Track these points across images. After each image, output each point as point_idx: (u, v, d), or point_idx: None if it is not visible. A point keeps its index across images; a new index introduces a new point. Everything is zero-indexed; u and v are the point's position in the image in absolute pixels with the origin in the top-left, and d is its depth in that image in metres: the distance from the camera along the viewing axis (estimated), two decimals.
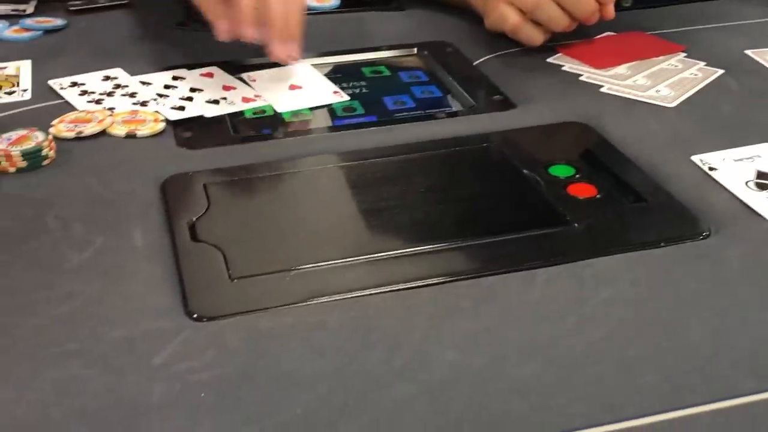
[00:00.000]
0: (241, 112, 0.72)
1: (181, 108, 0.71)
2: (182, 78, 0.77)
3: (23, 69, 0.80)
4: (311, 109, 0.73)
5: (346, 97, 0.75)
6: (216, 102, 0.73)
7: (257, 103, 0.73)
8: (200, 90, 0.74)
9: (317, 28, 0.91)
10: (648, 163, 0.63)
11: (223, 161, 0.64)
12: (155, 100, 0.72)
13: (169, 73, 0.77)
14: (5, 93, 0.74)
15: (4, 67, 0.80)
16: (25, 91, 0.75)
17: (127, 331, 0.46)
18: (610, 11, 0.80)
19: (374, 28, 0.91)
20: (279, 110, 0.73)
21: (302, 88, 0.76)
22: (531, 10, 0.80)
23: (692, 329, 0.46)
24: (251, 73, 0.78)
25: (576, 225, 0.55)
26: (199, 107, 0.71)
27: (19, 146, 0.62)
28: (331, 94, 0.75)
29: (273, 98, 0.74)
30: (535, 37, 0.82)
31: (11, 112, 0.71)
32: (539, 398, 0.41)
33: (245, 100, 0.73)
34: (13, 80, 0.77)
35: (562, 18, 0.79)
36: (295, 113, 0.72)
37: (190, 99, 0.73)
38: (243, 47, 0.73)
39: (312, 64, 0.81)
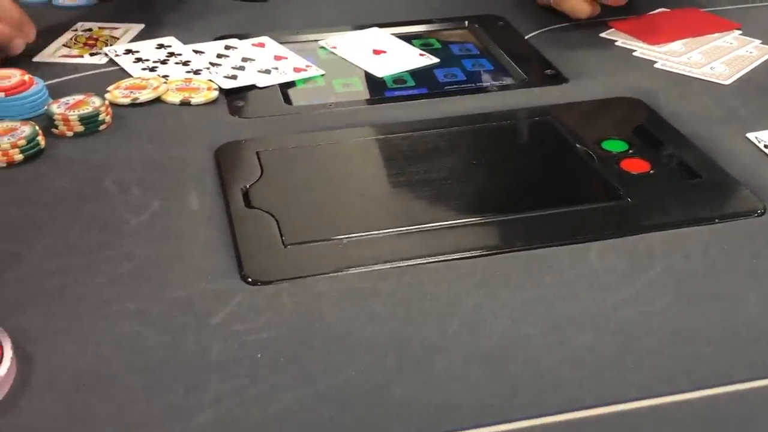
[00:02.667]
0: (293, 82, 0.72)
1: (234, 77, 0.71)
2: (234, 47, 0.77)
3: (130, 33, 0.81)
4: (410, 72, 0.74)
5: (435, 59, 0.76)
6: (268, 72, 0.73)
7: (308, 73, 0.73)
8: (252, 60, 0.75)
9: (368, 1, 0.91)
10: (702, 139, 0.62)
11: (275, 130, 0.65)
12: (208, 68, 0.73)
13: (222, 43, 0.78)
14: (90, 54, 0.77)
15: (116, 28, 0.82)
16: (118, 56, 0.76)
17: (185, 292, 0.47)
18: None
19: (425, 0, 0.91)
20: (379, 75, 0.73)
21: (386, 52, 0.77)
22: None
23: (748, 304, 0.45)
24: (329, 41, 0.79)
25: (629, 200, 0.55)
26: (252, 76, 0.72)
27: (76, 111, 0.63)
28: (418, 57, 0.76)
29: (366, 64, 0.75)
30: (580, 8, 0.80)
31: (68, 77, 0.73)
32: (593, 368, 0.41)
33: (296, 69, 0.74)
34: (113, 42, 0.79)
35: None
36: (346, 83, 0.73)
37: (242, 68, 0.73)
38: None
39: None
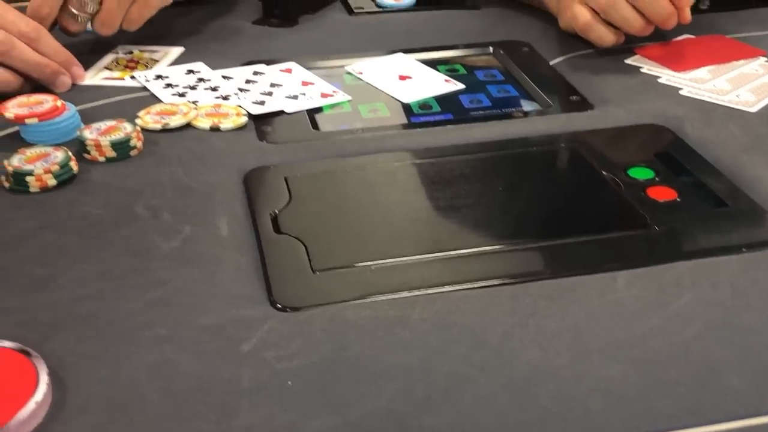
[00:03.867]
0: (320, 108, 0.73)
1: (262, 102, 0.72)
2: (262, 73, 0.78)
3: (170, 56, 0.83)
4: (436, 98, 0.75)
5: (461, 86, 0.77)
6: (295, 97, 0.74)
7: (335, 99, 0.74)
8: (280, 85, 0.76)
9: (393, 26, 0.92)
10: (729, 167, 0.62)
11: (303, 156, 0.65)
12: (236, 94, 0.74)
13: (250, 68, 0.79)
14: (131, 77, 0.78)
15: (156, 51, 0.84)
16: (148, 81, 0.77)
17: (216, 318, 0.47)
18: (687, 15, 0.79)
19: (450, 26, 0.92)
20: (405, 101, 0.74)
21: (412, 78, 0.78)
22: (604, 9, 0.79)
23: None
24: (355, 66, 0.80)
25: (656, 228, 0.55)
26: (279, 102, 0.73)
27: (108, 136, 0.64)
28: (444, 82, 0.77)
29: (392, 90, 0.76)
30: (606, 37, 0.81)
31: (99, 102, 0.74)
32: (622, 398, 0.41)
33: (323, 95, 0.75)
34: (153, 65, 0.80)
35: (636, 20, 0.78)
36: (372, 108, 0.74)
37: (270, 94, 0.74)
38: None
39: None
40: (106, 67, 0.81)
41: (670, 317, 0.47)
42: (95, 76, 0.79)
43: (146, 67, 0.80)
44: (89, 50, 0.83)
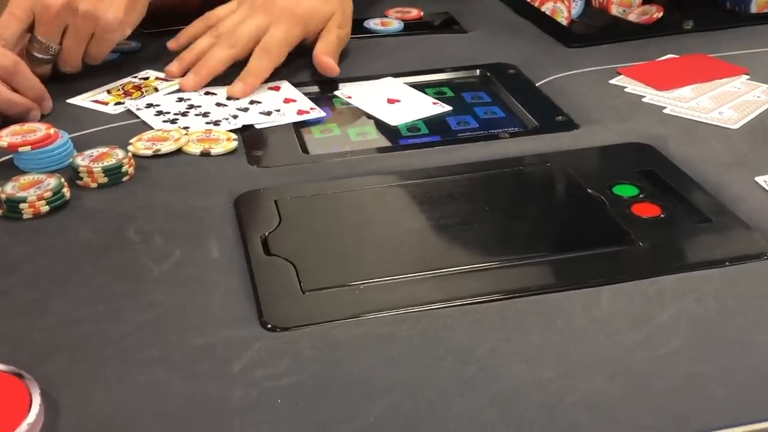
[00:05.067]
0: (310, 131, 0.74)
1: (235, 116, 0.74)
2: None
3: (173, 87, 0.82)
4: (424, 120, 0.76)
5: (447, 108, 0.78)
6: (268, 113, 0.76)
7: (311, 115, 0.76)
8: (258, 102, 0.77)
9: (382, 51, 0.93)
10: (712, 183, 0.63)
11: (293, 179, 0.66)
12: (227, 119, 0.75)
13: None
14: (114, 104, 0.79)
15: (167, 80, 0.84)
16: (140, 109, 0.78)
17: (207, 339, 0.48)
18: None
19: (437, 50, 0.93)
20: (393, 124, 0.76)
21: (400, 101, 0.79)
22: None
23: (759, 346, 0.46)
24: (344, 90, 0.82)
25: (641, 244, 0.56)
26: (252, 117, 0.75)
27: (100, 163, 0.65)
28: (431, 105, 0.78)
29: (380, 113, 0.77)
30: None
31: (92, 130, 0.75)
32: (607, 411, 0.42)
33: (300, 112, 0.76)
34: (151, 93, 0.81)
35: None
36: (361, 131, 0.75)
37: (246, 110, 0.76)
38: None
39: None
40: (108, 90, 0.82)
41: (654, 331, 0.48)
42: (86, 98, 0.80)
43: (142, 95, 0.80)
44: (117, 69, 0.86)
